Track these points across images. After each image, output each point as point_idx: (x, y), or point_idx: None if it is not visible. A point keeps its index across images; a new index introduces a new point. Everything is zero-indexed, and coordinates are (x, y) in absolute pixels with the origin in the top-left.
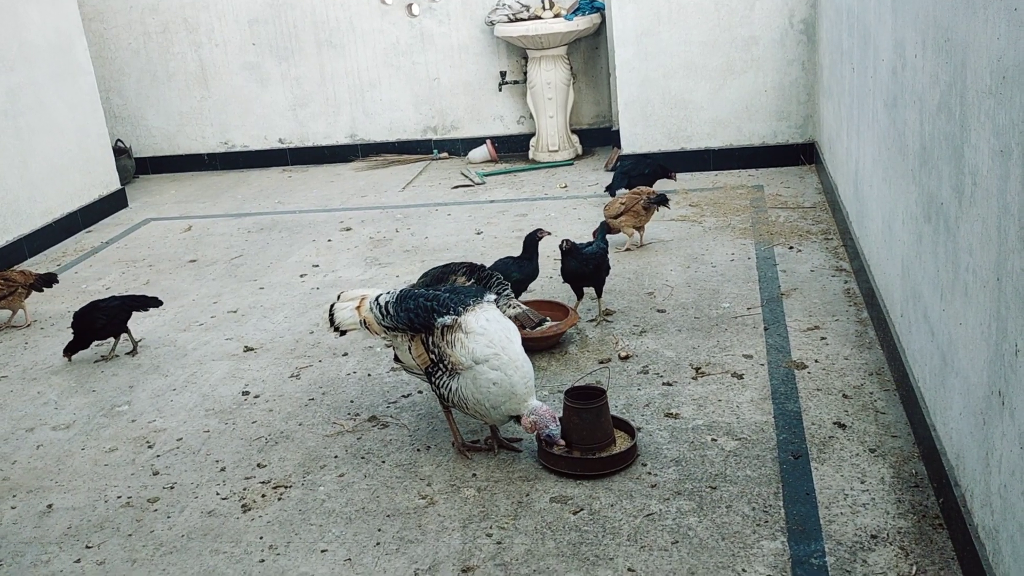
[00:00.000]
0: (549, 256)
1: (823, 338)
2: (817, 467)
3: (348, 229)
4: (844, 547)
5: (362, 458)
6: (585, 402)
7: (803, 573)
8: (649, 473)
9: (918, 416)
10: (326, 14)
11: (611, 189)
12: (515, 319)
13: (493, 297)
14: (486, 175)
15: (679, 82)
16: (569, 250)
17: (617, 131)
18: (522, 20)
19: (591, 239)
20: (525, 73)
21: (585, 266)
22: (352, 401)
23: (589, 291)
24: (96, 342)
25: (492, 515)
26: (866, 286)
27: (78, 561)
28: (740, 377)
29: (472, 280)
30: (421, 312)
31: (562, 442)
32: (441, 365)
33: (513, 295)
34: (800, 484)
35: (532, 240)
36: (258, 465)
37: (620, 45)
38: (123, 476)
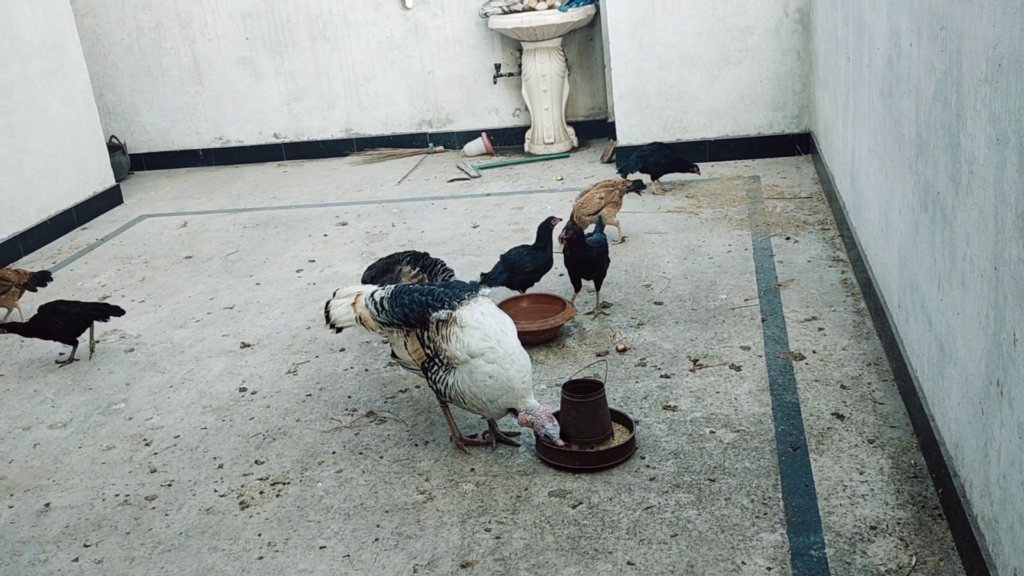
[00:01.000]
0: None
1: (821, 329)
2: (816, 458)
3: (344, 224)
4: (844, 538)
5: (360, 454)
6: (583, 395)
7: (803, 565)
8: (648, 466)
9: (916, 406)
10: (319, 7)
11: (624, 171)
12: None
13: (488, 291)
14: (482, 168)
15: (674, 73)
16: (574, 239)
17: (613, 123)
18: (516, 12)
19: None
20: (520, 65)
21: (589, 253)
22: (349, 397)
23: (587, 284)
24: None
25: (491, 510)
26: (863, 276)
27: (76, 560)
28: (738, 369)
29: (417, 268)
30: (416, 307)
31: (561, 442)
32: (437, 360)
33: (453, 274)
34: (799, 476)
35: (546, 228)
36: (256, 462)
37: (615, 36)
38: (121, 474)
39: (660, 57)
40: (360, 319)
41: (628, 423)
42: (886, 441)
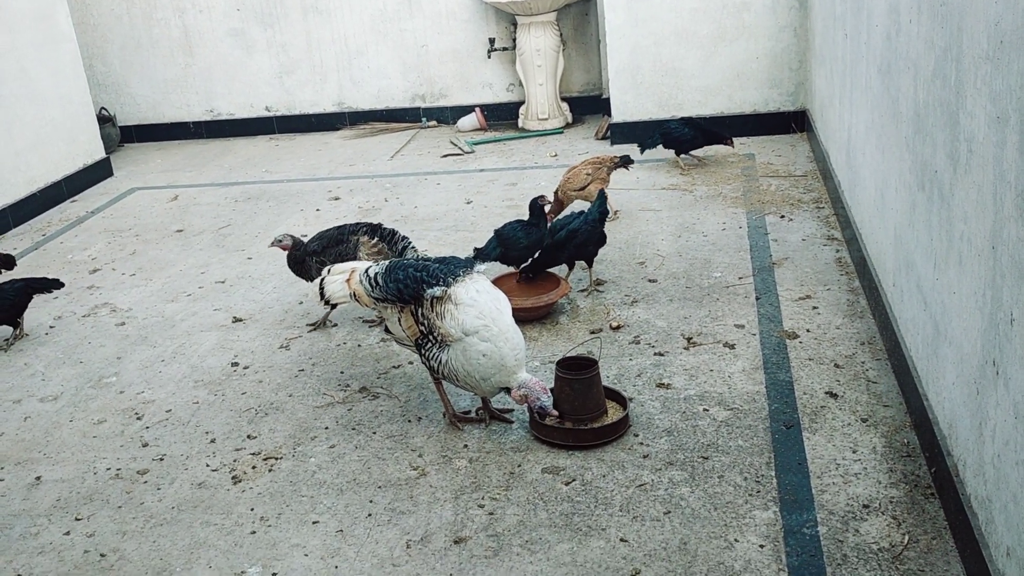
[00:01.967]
0: None
1: (815, 307)
2: (809, 437)
3: (337, 199)
4: (836, 517)
5: (353, 429)
6: (577, 373)
7: (795, 543)
8: (641, 443)
9: (910, 386)
10: None
11: (645, 147)
12: None
13: (483, 267)
14: (475, 144)
15: (670, 49)
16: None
17: (607, 99)
18: None
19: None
20: (514, 40)
21: (573, 240)
22: (342, 372)
23: (580, 262)
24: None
25: (484, 486)
26: (858, 255)
27: (67, 533)
28: (732, 347)
29: (376, 238)
30: (410, 283)
31: (555, 412)
32: (431, 337)
33: (416, 248)
34: (792, 454)
35: (537, 205)
36: (248, 436)
37: (610, 11)
38: (112, 448)
39: (655, 33)
40: (354, 295)
41: (622, 400)
42: (879, 420)
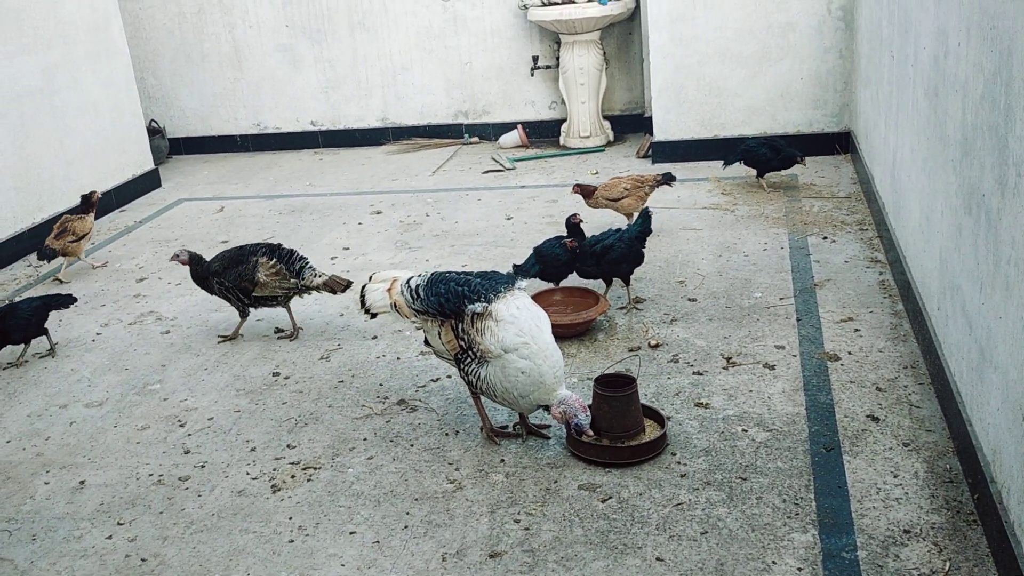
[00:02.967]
0: None
1: (857, 330)
2: (849, 460)
3: (378, 212)
4: (876, 541)
5: (391, 441)
6: (615, 390)
7: (834, 567)
8: (679, 463)
9: (953, 411)
10: None
11: (727, 162)
12: (324, 286)
13: (524, 283)
14: (517, 160)
15: (713, 68)
16: (575, 251)
17: (649, 118)
18: (556, 4)
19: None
20: (558, 58)
21: (587, 265)
22: (381, 384)
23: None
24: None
25: (520, 501)
26: (901, 278)
27: (109, 537)
28: (772, 368)
29: (275, 259)
30: (452, 297)
31: (591, 433)
32: (470, 352)
33: (314, 267)
34: (832, 477)
35: (571, 222)
36: (288, 446)
37: (654, 30)
38: (155, 454)
39: (699, 52)
40: (395, 306)
41: (660, 419)
42: (921, 445)
